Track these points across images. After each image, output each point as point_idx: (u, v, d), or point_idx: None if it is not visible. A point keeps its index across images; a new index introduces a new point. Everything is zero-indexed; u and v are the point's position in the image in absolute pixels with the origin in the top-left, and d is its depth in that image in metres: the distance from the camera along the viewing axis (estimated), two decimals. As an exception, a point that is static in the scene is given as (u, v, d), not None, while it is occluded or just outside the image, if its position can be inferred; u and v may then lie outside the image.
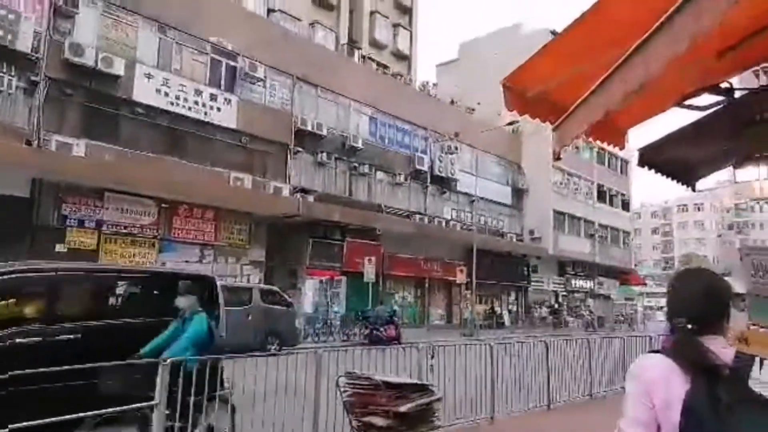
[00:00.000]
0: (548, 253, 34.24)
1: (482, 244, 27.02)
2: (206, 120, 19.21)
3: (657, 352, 1.63)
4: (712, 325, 1.60)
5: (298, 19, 25.87)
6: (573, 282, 38.42)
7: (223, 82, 20.03)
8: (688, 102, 4.79)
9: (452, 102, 31.24)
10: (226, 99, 19.82)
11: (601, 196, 41.23)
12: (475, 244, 25.23)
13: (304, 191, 21.69)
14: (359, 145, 24.19)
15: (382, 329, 18.68)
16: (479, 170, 29.18)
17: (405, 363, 6.59)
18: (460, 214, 29.61)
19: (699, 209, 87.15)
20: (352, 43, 28.02)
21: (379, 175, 25.61)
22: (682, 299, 1.69)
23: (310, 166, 22.77)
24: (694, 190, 8.99)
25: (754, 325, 4.36)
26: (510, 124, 26.96)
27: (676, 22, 2.14)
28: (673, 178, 8.25)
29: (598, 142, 5.83)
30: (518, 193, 34.42)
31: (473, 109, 31.75)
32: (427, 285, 27.52)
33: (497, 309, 30.93)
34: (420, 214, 27.12)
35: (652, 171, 7.68)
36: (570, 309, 36.77)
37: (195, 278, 6.11)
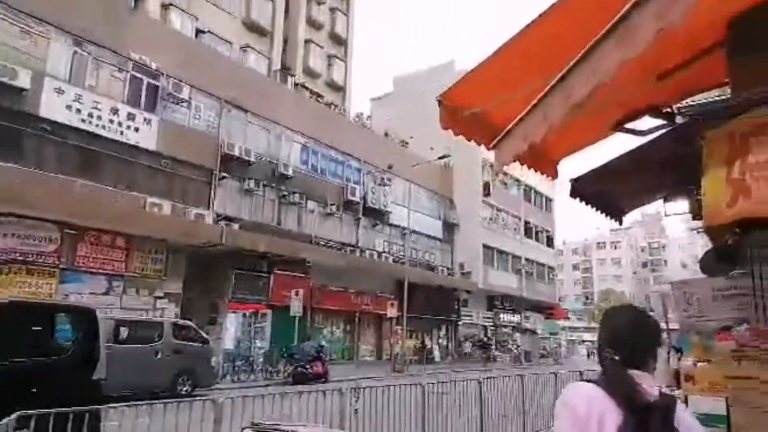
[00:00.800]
0: (478, 287, 34.57)
1: (413, 278, 26.77)
2: (122, 140, 17.89)
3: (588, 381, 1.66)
4: (639, 360, 1.64)
5: (229, 42, 25.17)
6: (501, 316, 38.94)
7: (143, 101, 18.84)
8: (628, 126, 4.61)
9: (386, 134, 31.33)
10: (145, 119, 18.62)
11: (528, 232, 42.53)
12: (407, 277, 24.90)
13: (229, 219, 20.59)
14: (290, 173, 23.49)
15: (308, 366, 17.75)
16: (412, 203, 29.15)
17: (326, 406, 5.91)
18: (392, 246, 29.34)
19: (616, 247, 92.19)
20: (286, 70, 27.57)
21: (310, 204, 24.93)
22: (611, 332, 1.73)
23: (236, 194, 21.75)
24: (621, 223, 9.02)
25: (700, 361, 4.09)
26: (442, 157, 27.26)
27: (631, 22, 1.97)
28: (602, 211, 8.17)
29: (532, 172, 5.70)
30: (449, 227, 34.73)
31: (407, 143, 31.98)
32: (357, 319, 26.76)
33: (428, 344, 30.58)
34: (351, 246, 26.57)
35: (583, 203, 7.55)
36: (498, 343, 37.08)
37: (71, 310, 5.18)
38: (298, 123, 24.50)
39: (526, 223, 42.26)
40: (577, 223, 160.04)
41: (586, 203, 7.51)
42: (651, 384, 1.59)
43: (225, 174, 20.97)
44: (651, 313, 1.80)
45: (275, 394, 5.52)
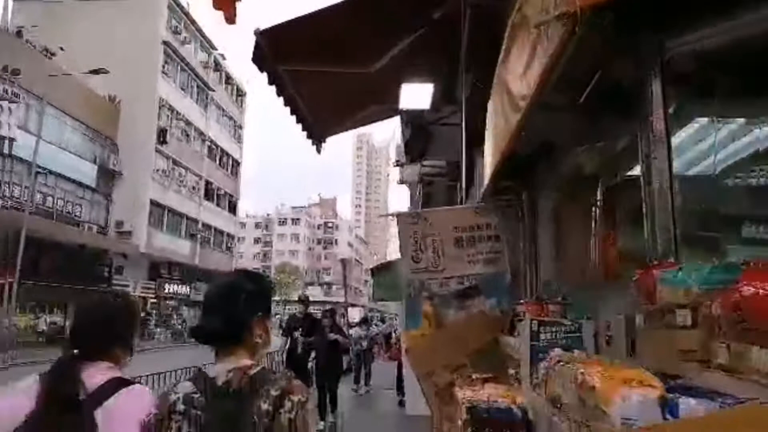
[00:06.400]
0: (139, 251, 29.17)
1: (43, 234, 20.14)
2: None
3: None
4: (97, 351, 1.62)
5: None
6: (167, 287, 34.21)
7: None
8: None
9: (20, 34, 22.99)
10: None
11: (209, 193, 38.84)
12: (25, 230, 18.17)
13: None
14: None
15: None
16: (53, 135, 22.21)
17: None
18: (14, 189, 21.58)
19: (296, 223, 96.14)
20: None
21: None
22: (79, 327, 1.73)
23: None
24: (319, 151, 6.46)
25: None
26: (95, 72, 20.85)
27: None
28: (298, 119, 5.31)
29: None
30: (108, 175, 28.37)
31: (53, 53, 24.24)
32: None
33: (58, 321, 23.86)
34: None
35: (274, 87, 4.38)
36: (160, 318, 32.47)
37: None
38: None
39: (208, 183, 38.36)
40: (261, 197, 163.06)
41: (276, 85, 4.46)
42: (101, 371, 1.57)
43: None
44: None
45: None
